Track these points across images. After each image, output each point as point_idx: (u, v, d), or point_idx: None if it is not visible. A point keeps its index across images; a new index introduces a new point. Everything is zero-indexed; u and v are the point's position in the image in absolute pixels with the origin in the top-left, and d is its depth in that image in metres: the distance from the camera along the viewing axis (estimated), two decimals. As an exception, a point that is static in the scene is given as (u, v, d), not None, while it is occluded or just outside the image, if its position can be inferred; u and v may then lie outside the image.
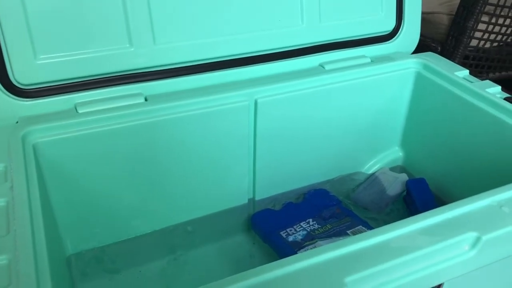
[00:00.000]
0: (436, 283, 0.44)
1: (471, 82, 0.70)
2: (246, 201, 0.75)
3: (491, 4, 1.04)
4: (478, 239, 0.43)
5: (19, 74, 0.57)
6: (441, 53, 1.04)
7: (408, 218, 0.44)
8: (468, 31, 1.04)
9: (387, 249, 0.41)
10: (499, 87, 0.69)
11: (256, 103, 0.67)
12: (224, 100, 0.65)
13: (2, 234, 0.41)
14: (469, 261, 0.43)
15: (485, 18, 1.05)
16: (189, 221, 0.71)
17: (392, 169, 0.84)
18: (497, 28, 1.08)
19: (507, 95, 0.67)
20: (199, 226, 0.72)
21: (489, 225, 0.44)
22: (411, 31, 0.80)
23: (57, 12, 0.56)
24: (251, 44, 0.69)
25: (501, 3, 1.04)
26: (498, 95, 0.67)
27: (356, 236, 0.42)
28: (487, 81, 0.71)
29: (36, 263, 0.39)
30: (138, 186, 0.65)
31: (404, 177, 0.80)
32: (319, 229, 0.71)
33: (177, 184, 0.67)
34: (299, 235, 0.70)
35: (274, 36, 0.70)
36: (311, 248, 0.58)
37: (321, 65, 0.74)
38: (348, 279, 0.38)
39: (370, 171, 0.85)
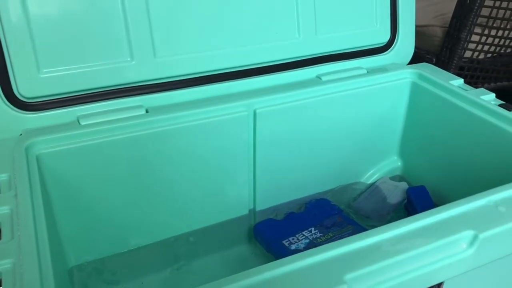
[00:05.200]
0: (436, 282, 0.44)
1: (466, 90, 0.72)
2: (247, 211, 0.75)
3: (483, 16, 1.06)
4: (475, 237, 0.43)
5: (23, 88, 0.58)
6: (436, 65, 1.05)
7: (406, 218, 0.44)
8: (462, 42, 1.06)
9: (386, 247, 0.41)
10: (493, 94, 0.70)
11: (255, 113, 0.68)
12: (223, 111, 0.66)
13: (6, 240, 0.41)
14: (467, 259, 0.43)
15: (478, 29, 1.08)
16: (191, 232, 0.72)
17: (391, 178, 0.84)
18: (490, 40, 1.10)
19: (502, 102, 0.68)
20: (201, 236, 0.72)
21: (486, 224, 0.45)
22: (406, 43, 0.82)
23: (60, 26, 0.58)
24: (250, 57, 0.70)
25: (493, 15, 1.07)
26: (493, 102, 0.68)
27: (355, 236, 0.42)
28: (482, 88, 0.72)
29: (40, 268, 0.39)
30: (139, 197, 0.65)
31: (404, 185, 0.81)
32: (321, 238, 0.71)
33: (177, 194, 0.68)
34: (302, 243, 0.70)
35: (271, 49, 0.71)
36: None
37: (318, 77, 0.75)
38: (348, 276, 0.38)
39: (370, 181, 0.85)
